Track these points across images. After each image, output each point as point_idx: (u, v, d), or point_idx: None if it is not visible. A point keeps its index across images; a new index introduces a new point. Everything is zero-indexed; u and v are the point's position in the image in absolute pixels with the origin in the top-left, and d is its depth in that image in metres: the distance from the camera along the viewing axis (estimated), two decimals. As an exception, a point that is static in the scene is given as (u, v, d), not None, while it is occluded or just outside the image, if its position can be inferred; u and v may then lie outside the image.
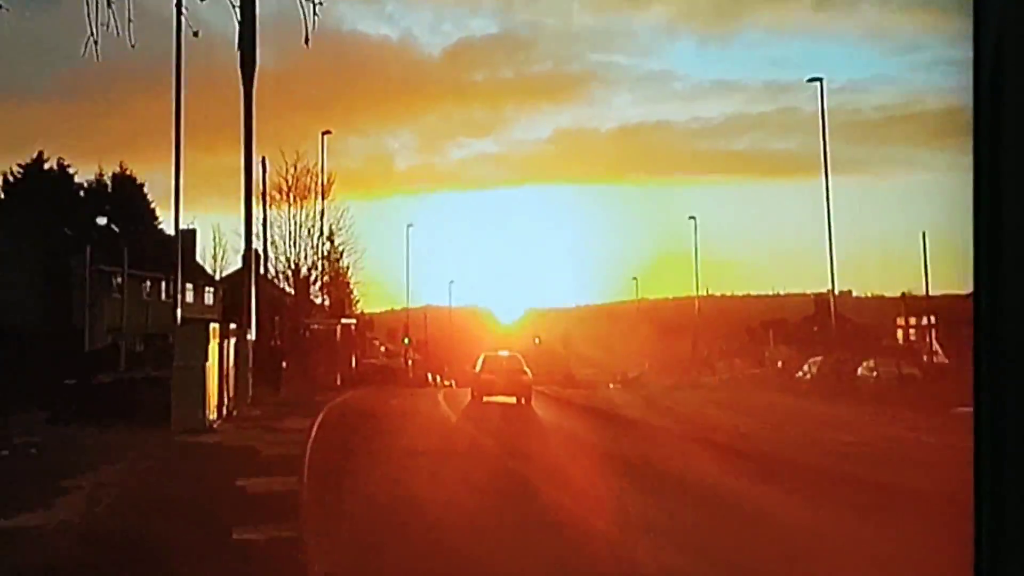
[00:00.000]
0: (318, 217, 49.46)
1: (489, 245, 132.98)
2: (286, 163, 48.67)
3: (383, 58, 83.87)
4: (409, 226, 58.08)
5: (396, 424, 20.61)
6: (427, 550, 8.61)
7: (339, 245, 50.98)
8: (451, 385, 45.63)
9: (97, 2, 8.82)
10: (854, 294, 48.84)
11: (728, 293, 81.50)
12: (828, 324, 41.49)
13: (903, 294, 53.44)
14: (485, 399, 26.99)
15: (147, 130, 69.74)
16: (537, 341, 59.32)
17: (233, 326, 24.21)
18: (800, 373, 40.68)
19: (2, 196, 52.02)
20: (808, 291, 60.09)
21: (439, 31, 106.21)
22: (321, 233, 49.67)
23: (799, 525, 9.60)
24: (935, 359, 38.65)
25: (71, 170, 53.28)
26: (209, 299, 54.17)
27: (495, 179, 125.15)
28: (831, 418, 23.84)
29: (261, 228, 45.53)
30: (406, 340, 55.16)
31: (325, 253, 50.30)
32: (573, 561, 8.18)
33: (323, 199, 49.41)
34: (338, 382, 37.68)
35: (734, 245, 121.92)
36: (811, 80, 41.91)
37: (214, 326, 20.78)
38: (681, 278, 79.91)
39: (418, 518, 9.74)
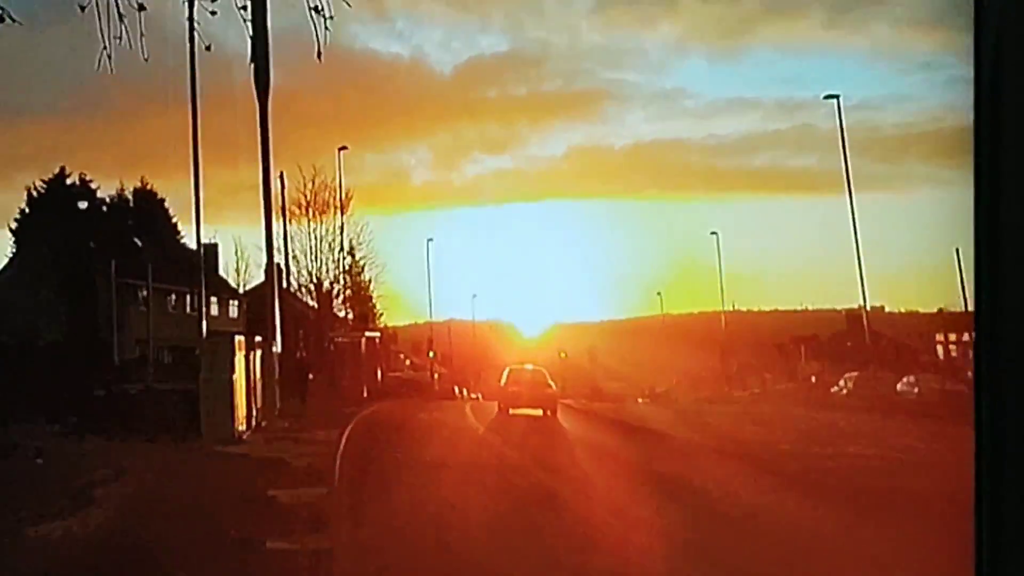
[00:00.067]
0: (338, 231, 49.66)
1: (510, 259, 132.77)
2: (303, 178, 49.00)
3: (395, 75, 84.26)
4: (429, 240, 58.03)
5: (425, 436, 20.39)
6: (456, 562, 8.53)
7: (360, 259, 51.12)
8: (478, 398, 45.37)
9: (109, 16, 8.77)
10: (887, 309, 48.20)
11: (754, 308, 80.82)
12: (861, 339, 40.95)
13: (940, 310, 52.76)
14: (511, 411, 27.24)
15: (166, 145, 70.26)
16: (563, 355, 59.04)
17: (259, 339, 24.12)
18: (835, 388, 40.09)
19: (27, 211, 52.33)
20: (837, 306, 59.53)
21: (449, 49, 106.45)
22: (341, 247, 49.84)
23: (860, 551, 9.21)
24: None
25: (93, 185, 53.59)
26: (233, 312, 54.28)
27: (512, 195, 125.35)
28: (879, 433, 23.18)
29: (282, 242, 45.79)
30: (431, 353, 54.98)
31: (346, 267, 50.42)
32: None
33: (342, 214, 49.60)
34: (364, 394, 37.53)
35: (758, 260, 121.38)
36: (827, 97, 41.60)
37: (240, 338, 20.71)
38: (705, 293, 79.36)
39: (448, 531, 9.61)
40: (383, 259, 52.42)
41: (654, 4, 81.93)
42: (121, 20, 9.02)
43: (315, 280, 49.85)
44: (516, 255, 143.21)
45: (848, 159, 40.24)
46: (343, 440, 18.30)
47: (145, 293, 42.60)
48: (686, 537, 9.46)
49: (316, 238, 49.60)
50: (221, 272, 55.39)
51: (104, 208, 53.19)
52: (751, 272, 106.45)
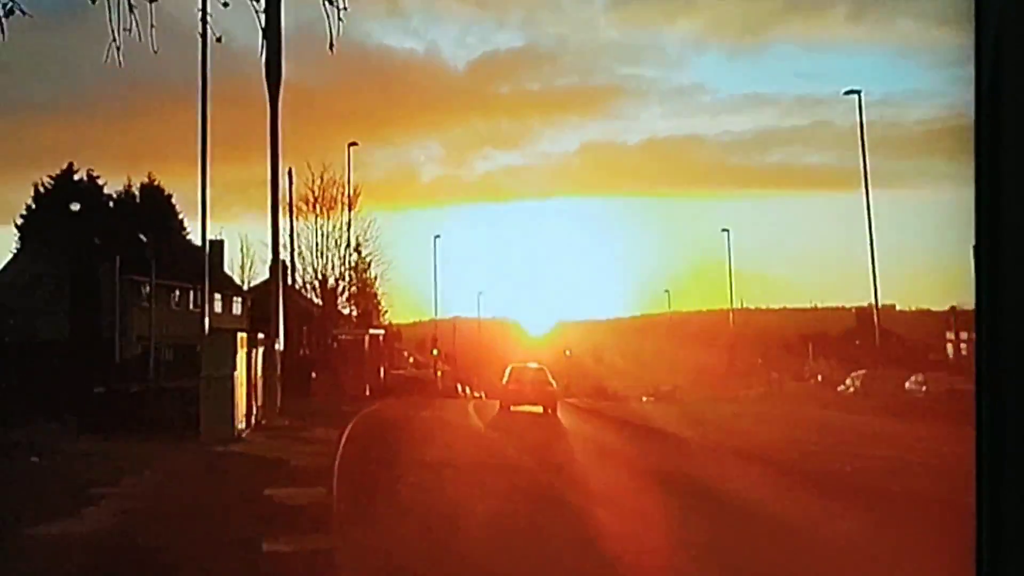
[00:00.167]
0: (345, 228, 49.51)
1: (518, 257, 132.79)
2: (312, 174, 48.82)
3: (408, 71, 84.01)
4: (436, 237, 57.89)
5: (426, 435, 20.27)
6: (458, 563, 8.44)
7: (366, 256, 50.97)
8: (481, 396, 45.25)
9: (119, 7, 8.62)
10: (898, 307, 47.77)
11: (763, 306, 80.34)
12: (871, 337, 40.71)
13: (952, 308, 52.43)
14: (512, 408, 27.84)
15: (174, 141, 70.22)
16: (568, 353, 58.87)
17: (261, 336, 24.01)
18: (842, 387, 39.85)
19: (33, 207, 52.33)
20: (847, 304, 59.20)
21: (464, 44, 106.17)
22: (348, 244, 49.68)
23: (870, 552, 9.05)
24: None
25: (100, 181, 53.56)
26: (237, 309, 54.23)
27: (522, 191, 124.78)
28: (883, 433, 23.00)
29: (288, 239, 45.72)
30: (434, 351, 54.88)
31: (352, 264, 50.28)
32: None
33: (350, 210, 49.45)
34: (367, 392, 37.41)
35: (769, 258, 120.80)
36: (848, 93, 41.23)
37: (242, 336, 20.57)
38: (714, 291, 79.05)
39: (450, 531, 9.48)
40: (389, 256, 52.36)
41: (673, 0, 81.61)
42: (132, 11, 8.88)
43: (320, 277, 49.78)
44: (524, 252, 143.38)
45: (867, 156, 39.93)
46: (343, 439, 18.19)
47: (149, 289, 42.53)
48: (682, 534, 9.35)
49: (323, 235, 49.52)
50: (226, 269, 55.36)
51: (111, 204, 53.19)
52: (761, 270, 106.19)
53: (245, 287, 56.07)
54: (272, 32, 23.73)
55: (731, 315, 58.31)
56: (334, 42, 9.75)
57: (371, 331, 44.52)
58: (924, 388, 33.36)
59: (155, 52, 9.20)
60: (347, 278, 50.46)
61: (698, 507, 10.93)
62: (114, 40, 8.82)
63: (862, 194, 40.76)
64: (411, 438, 19.18)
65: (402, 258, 77.50)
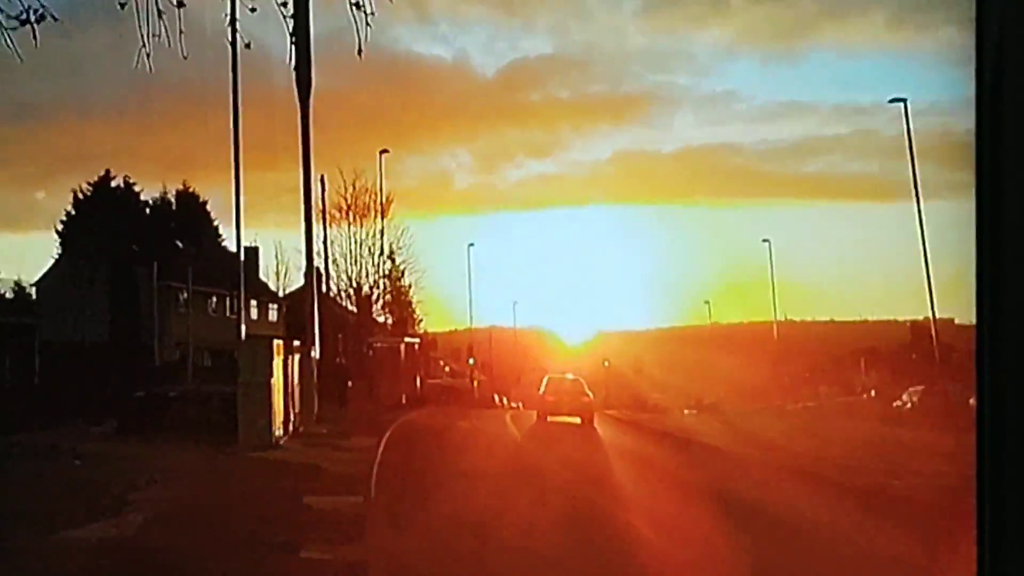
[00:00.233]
0: (378, 236, 49.49)
1: (554, 266, 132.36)
2: (344, 182, 48.87)
3: (438, 78, 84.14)
4: (470, 245, 57.75)
5: (463, 444, 20.00)
6: (491, 572, 8.37)
7: (400, 264, 50.92)
8: (518, 407, 44.93)
9: (148, 13, 8.55)
10: (957, 322, 46.60)
11: (809, 318, 79.07)
12: (928, 352, 39.65)
13: (1016, 322, 51.18)
14: (549, 419, 28.19)
15: (208, 148, 70.81)
16: (606, 364, 58.32)
17: (297, 343, 23.91)
18: (898, 403, 38.87)
19: (73, 213, 52.91)
20: (900, 318, 58.07)
21: (492, 51, 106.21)
22: (381, 252, 49.65)
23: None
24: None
25: (137, 188, 54.06)
26: (273, 316, 54.42)
27: (556, 199, 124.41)
28: (941, 450, 22.15)
29: (322, 246, 45.73)
30: (471, 360, 54.63)
31: (386, 272, 50.25)
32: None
33: (382, 218, 49.43)
34: (403, 401, 37.21)
35: (812, 269, 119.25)
36: (893, 101, 40.31)
37: (278, 342, 20.48)
38: (756, 302, 78.14)
39: (484, 542, 9.28)
40: (423, 264, 52.30)
41: (703, 5, 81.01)
42: (160, 17, 8.80)
43: (355, 285, 49.78)
44: (559, 261, 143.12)
45: (917, 165, 38.90)
46: (380, 447, 17.99)
47: (186, 295, 42.75)
48: (723, 551, 9.01)
49: (356, 242, 49.53)
50: (261, 276, 55.59)
51: (147, 211, 53.66)
52: (804, 281, 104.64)
53: (280, 294, 56.29)
54: (301, 39, 23.71)
55: (775, 327, 57.46)
56: (362, 47, 9.64)
57: (406, 339, 44.38)
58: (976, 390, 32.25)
59: (184, 58, 9.15)
60: (381, 286, 50.49)
61: (740, 523, 10.53)
62: (144, 45, 8.75)
63: (905, 204, 39.91)
64: (448, 448, 18.95)
65: (436, 266, 77.38)
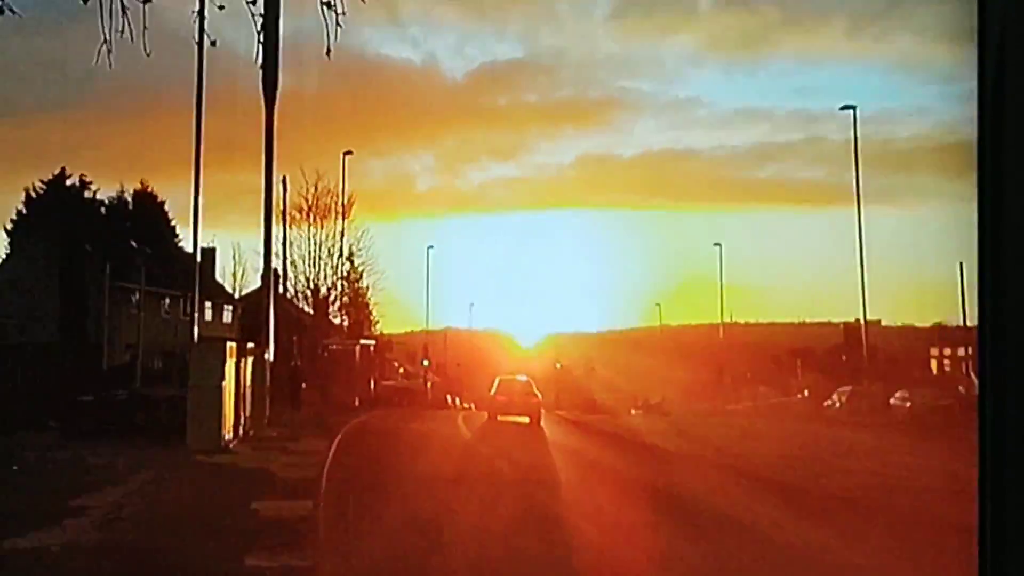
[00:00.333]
0: (338, 237, 49.37)
1: (511, 269, 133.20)
2: (306, 183, 48.68)
3: (406, 81, 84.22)
4: (430, 248, 57.89)
5: (415, 447, 20.16)
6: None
7: (359, 266, 50.85)
8: (471, 408, 45.12)
9: (111, 9, 8.53)
10: (883, 323, 47.75)
11: (752, 320, 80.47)
12: (857, 353, 40.72)
13: (937, 324, 52.48)
14: (499, 418, 29.06)
15: (168, 147, 70.10)
16: (558, 366, 58.75)
17: (251, 345, 23.88)
18: (828, 402, 39.89)
19: (24, 212, 52.12)
20: (835, 319, 59.20)
21: (463, 55, 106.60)
22: (341, 253, 49.54)
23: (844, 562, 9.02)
24: (972, 390, 37.91)
25: (93, 187, 53.39)
26: (227, 317, 54.02)
27: (517, 203, 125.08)
28: (870, 449, 23.00)
29: (281, 248, 45.56)
30: (425, 362, 54.71)
31: (345, 273, 50.14)
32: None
33: (343, 219, 49.32)
34: (356, 403, 37.21)
35: (759, 273, 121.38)
36: (844, 108, 41.23)
37: (231, 345, 20.44)
38: (704, 305, 78.97)
39: (439, 548, 9.33)
40: (382, 266, 52.29)
41: (673, 14, 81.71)
42: (124, 13, 8.79)
43: (312, 286, 49.61)
44: (517, 264, 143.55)
45: (860, 172, 39.82)
46: (331, 451, 18.06)
47: (138, 296, 42.32)
48: (655, 546, 9.31)
49: (316, 243, 49.36)
50: (218, 277, 55.16)
51: (102, 210, 53.00)
52: (752, 284, 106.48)
53: (236, 295, 55.89)
54: (270, 38, 23.62)
55: (721, 329, 58.36)
56: (331, 48, 9.69)
57: (362, 341, 44.36)
58: (908, 404, 33.35)
59: (148, 55, 9.11)
60: (339, 287, 50.37)
61: (675, 518, 10.90)
62: (106, 42, 8.73)
63: (853, 209, 40.79)
64: (399, 450, 19.09)
65: (395, 268, 77.32)
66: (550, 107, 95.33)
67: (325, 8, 9.51)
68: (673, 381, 56.31)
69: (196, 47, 24.25)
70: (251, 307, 41.94)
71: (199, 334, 27.37)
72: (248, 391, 21.85)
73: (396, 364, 63.37)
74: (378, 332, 54.57)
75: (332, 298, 50.21)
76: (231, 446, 18.61)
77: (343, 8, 9.51)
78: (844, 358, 45.59)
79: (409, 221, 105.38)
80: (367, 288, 52.15)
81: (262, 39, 20.33)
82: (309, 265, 49.27)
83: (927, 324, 56.91)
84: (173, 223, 54.62)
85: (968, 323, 44.29)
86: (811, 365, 55.27)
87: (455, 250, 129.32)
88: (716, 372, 56.21)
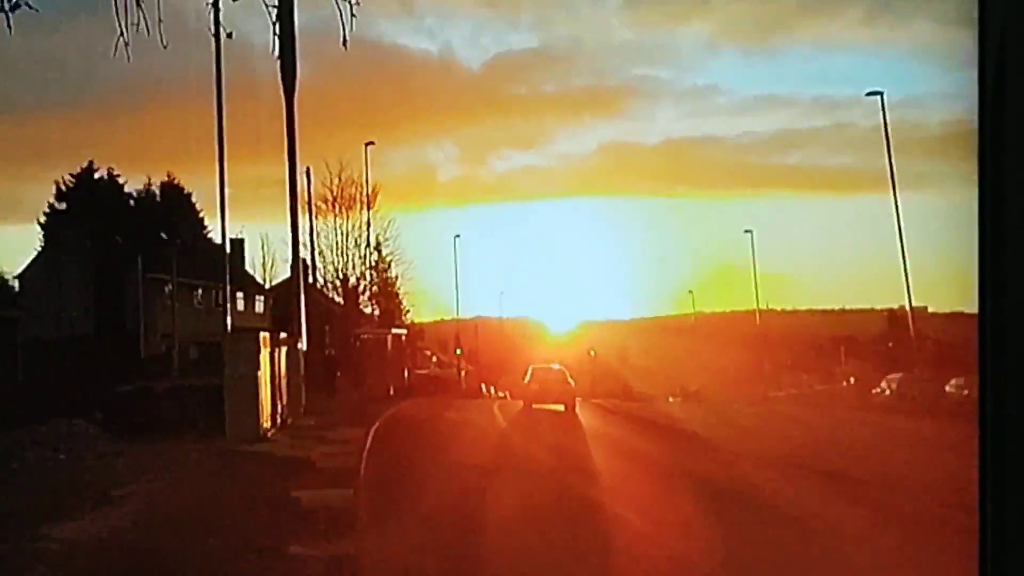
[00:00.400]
0: (364, 228, 49.39)
1: (539, 257, 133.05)
2: (330, 174, 48.71)
3: (423, 71, 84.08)
4: (456, 237, 57.69)
5: (453, 435, 20.02)
6: (479, 565, 8.35)
7: (387, 255, 50.84)
8: (505, 396, 44.99)
9: (127, 3, 8.42)
10: (930, 310, 46.67)
11: (789, 308, 79.44)
12: (905, 340, 39.94)
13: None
14: (534, 406, 29.14)
15: (193, 139, 70.37)
16: (592, 353, 58.47)
17: (284, 335, 23.82)
18: (877, 390, 39.13)
19: (56, 205, 52.53)
20: (876, 306, 58.42)
21: (478, 45, 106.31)
22: (368, 243, 49.55)
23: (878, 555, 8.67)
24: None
25: (121, 180, 53.68)
26: (259, 307, 54.25)
27: (540, 191, 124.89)
28: (920, 436, 22.26)
29: (308, 238, 45.57)
30: (458, 351, 54.59)
31: (373, 263, 50.16)
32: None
33: (368, 210, 49.31)
34: (391, 392, 37.24)
35: (792, 259, 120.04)
36: (870, 94, 40.47)
37: (264, 335, 20.40)
38: (738, 292, 78.36)
39: (478, 536, 9.27)
40: (410, 255, 52.27)
41: (685, 1, 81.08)
42: (139, 5, 8.67)
43: (341, 276, 49.68)
44: (545, 252, 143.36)
45: (892, 157, 39.13)
46: (369, 439, 17.97)
47: (170, 288, 42.54)
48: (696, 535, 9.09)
49: (342, 234, 49.41)
50: (248, 267, 55.37)
51: (131, 202, 53.32)
52: (785, 271, 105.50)
53: (267, 286, 56.09)
54: (286, 30, 23.56)
55: (757, 316, 57.77)
56: (347, 39, 9.53)
57: (393, 330, 44.32)
58: (966, 392, 32.37)
59: (165, 47, 9.01)
60: (368, 277, 50.40)
61: (717, 509, 10.62)
62: (122, 34, 8.62)
63: (882, 196, 40.15)
64: (436, 439, 18.97)
65: (422, 257, 77.31)
66: (568, 96, 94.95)
67: (339, 1, 9.34)
68: (710, 368, 55.69)
69: (213, 39, 24.37)
70: (282, 297, 41.97)
71: (232, 324, 27.36)
72: (284, 380, 21.81)
73: (428, 353, 63.42)
74: (409, 321, 54.59)
75: (362, 288, 50.31)
76: (269, 435, 18.55)
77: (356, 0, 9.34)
78: (890, 345, 44.76)
79: (434, 211, 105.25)
80: (396, 278, 52.20)
81: (278, 31, 20.26)
82: (337, 255, 49.41)
83: (975, 311, 55.67)
84: (201, 214, 54.87)
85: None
86: (855, 352, 54.40)
87: (482, 239, 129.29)
88: (755, 359, 55.55)
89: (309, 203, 45.36)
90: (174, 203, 53.66)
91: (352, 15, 9.35)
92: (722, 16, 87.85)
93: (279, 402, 20.81)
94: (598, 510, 10.88)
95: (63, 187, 52.66)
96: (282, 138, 25.67)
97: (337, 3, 9.33)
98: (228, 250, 29.19)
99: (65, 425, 18.49)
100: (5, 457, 14.31)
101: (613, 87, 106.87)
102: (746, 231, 56.93)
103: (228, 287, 28.18)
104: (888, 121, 38.97)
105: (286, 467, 14.25)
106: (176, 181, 55.43)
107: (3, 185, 79.03)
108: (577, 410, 28.72)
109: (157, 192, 55.14)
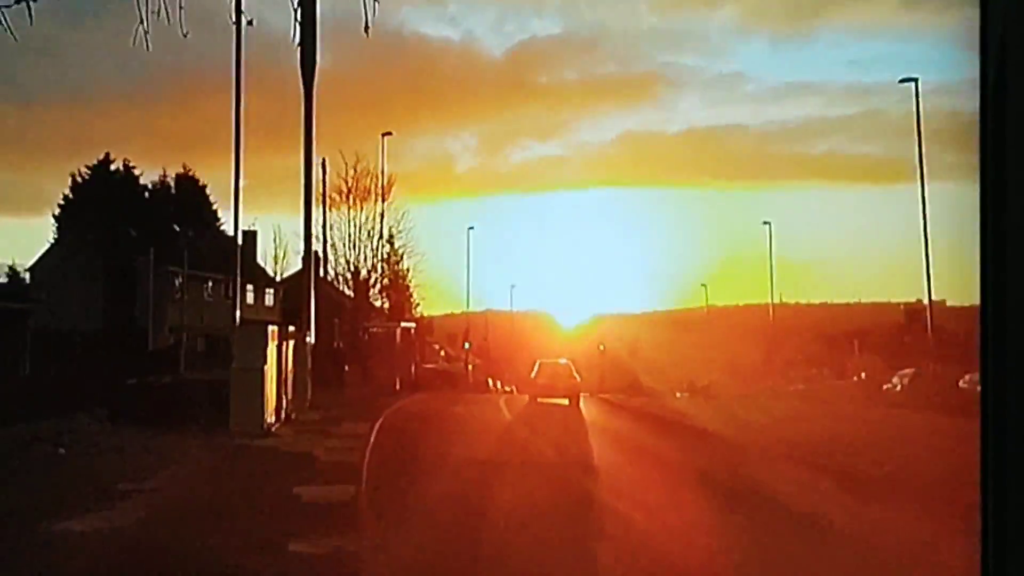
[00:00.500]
0: (378, 219, 49.29)
1: (553, 249, 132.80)
2: (346, 164, 48.61)
3: (444, 59, 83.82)
4: (470, 228, 57.65)
5: (458, 430, 20.01)
6: (483, 562, 8.32)
7: (399, 248, 50.79)
8: (512, 391, 44.96)
9: None
10: (948, 303, 45.95)
11: (803, 301, 78.71)
12: (921, 334, 39.40)
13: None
14: (539, 400, 29.77)
15: (209, 131, 70.50)
16: (602, 348, 58.17)
17: (292, 328, 23.84)
18: (888, 385, 38.81)
19: (71, 197, 52.72)
20: (892, 300, 57.79)
21: (501, 32, 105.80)
22: (381, 235, 49.48)
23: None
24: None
25: (136, 171, 53.85)
26: (269, 300, 54.35)
27: (558, 182, 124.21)
28: (931, 431, 22.14)
29: (321, 230, 45.59)
30: (466, 345, 54.62)
31: (385, 256, 50.11)
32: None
33: (383, 201, 49.24)
34: (397, 386, 37.23)
35: (809, 252, 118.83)
36: (903, 81, 39.49)
37: (273, 328, 20.40)
38: (752, 285, 77.83)
39: (482, 533, 9.24)
40: (423, 247, 52.19)
41: (716, -15, 79.97)
42: None
43: (353, 269, 49.64)
44: (558, 244, 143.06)
45: (924, 146, 38.18)
46: (372, 434, 17.97)
47: (181, 280, 42.64)
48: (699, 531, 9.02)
49: (356, 226, 49.33)
50: (259, 260, 55.44)
51: (146, 194, 53.50)
52: (801, 263, 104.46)
53: (278, 278, 56.16)
54: (307, 19, 23.46)
55: (771, 309, 57.36)
56: (369, 25, 9.49)
57: (402, 324, 44.32)
58: (979, 388, 32.03)
59: (185, 35, 8.99)
60: (379, 270, 50.37)
61: (722, 506, 10.60)
62: (142, 22, 8.60)
63: (909, 186, 39.40)
64: (441, 434, 18.95)
65: (435, 249, 77.16)
66: (591, 84, 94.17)
67: None
68: (721, 363, 55.28)
69: (234, 28, 24.29)
70: (292, 290, 42.03)
71: (241, 317, 27.41)
72: (290, 374, 21.83)
73: (437, 347, 63.35)
74: (419, 314, 54.58)
75: (372, 280, 50.28)
76: (273, 429, 18.58)
77: None
78: (906, 339, 44.09)
79: (449, 202, 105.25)
80: (407, 270, 52.15)
81: (299, 18, 20.16)
82: (349, 247, 49.35)
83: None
84: (215, 206, 54.99)
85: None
86: (868, 347, 53.84)
87: (496, 231, 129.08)
88: (766, 354, 55.17)
89: (324, 195, 45.46)
90: (188, 195, 53.83)
91: (376, 2, 9.30)
92: (752, 1, 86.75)
93: (284, 396, 20.85)
94: (589, 506, 10.89)
95: (79, 179, 52.89)
96: (299, 128, 25.59)
97: (359, -10, 9.28)
98: (240, 242, 29.16)
99: (71, 419, 18.56)
100: (5, 457, 14.34)
101: (638, 75, 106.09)
102: (764, 223, 56.62)
103: (238, 279, 28.22)
104: (921, 109, 38.06)
105: (288, 462, 14.28)
106: (191, 172, 55.63)
107: (19, 177, 79.41)
108: (581, 405, 29.03)
109: (172, 184, 55.33)
